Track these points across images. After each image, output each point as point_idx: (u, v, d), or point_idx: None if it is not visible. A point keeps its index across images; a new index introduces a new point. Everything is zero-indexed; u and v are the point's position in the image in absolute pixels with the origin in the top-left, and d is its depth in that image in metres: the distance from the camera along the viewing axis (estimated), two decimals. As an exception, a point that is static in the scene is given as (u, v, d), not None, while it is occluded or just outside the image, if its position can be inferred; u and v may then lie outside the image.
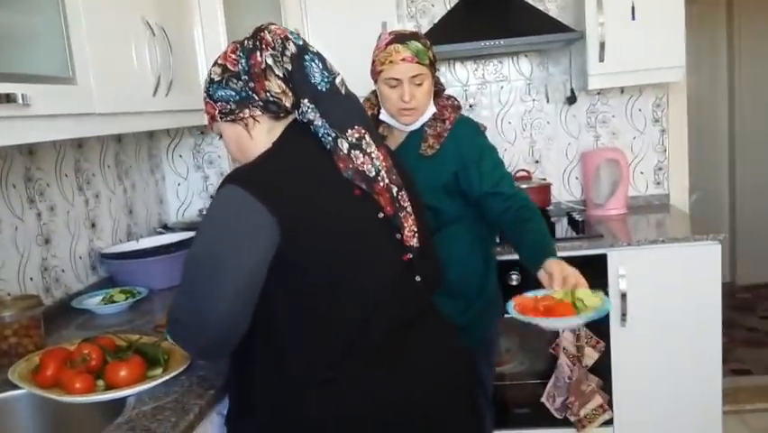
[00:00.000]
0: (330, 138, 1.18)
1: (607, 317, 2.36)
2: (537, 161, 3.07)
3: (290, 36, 1.21)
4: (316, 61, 1.20)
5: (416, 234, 1.24)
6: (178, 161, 3.03)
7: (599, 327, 2.40)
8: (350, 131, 1.19)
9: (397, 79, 1.73)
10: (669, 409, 2.47)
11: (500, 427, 2.28)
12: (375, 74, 1.79)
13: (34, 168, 1.98)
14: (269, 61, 1.18)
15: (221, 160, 3.03)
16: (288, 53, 1.19)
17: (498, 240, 2.27)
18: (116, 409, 1.27)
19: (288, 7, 2.53)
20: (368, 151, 1.19)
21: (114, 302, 2.00)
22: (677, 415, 2.47)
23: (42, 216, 2.00)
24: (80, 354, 1.36)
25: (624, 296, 2.38)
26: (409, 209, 1.24)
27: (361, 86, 1.31)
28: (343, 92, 1.22)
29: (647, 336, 2.43)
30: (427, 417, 1.23)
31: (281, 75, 1.19)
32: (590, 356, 2.40)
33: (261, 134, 1.23)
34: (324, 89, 1.19)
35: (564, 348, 2.38)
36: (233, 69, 1.21)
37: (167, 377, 1.33)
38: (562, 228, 2.74)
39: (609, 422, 2.46)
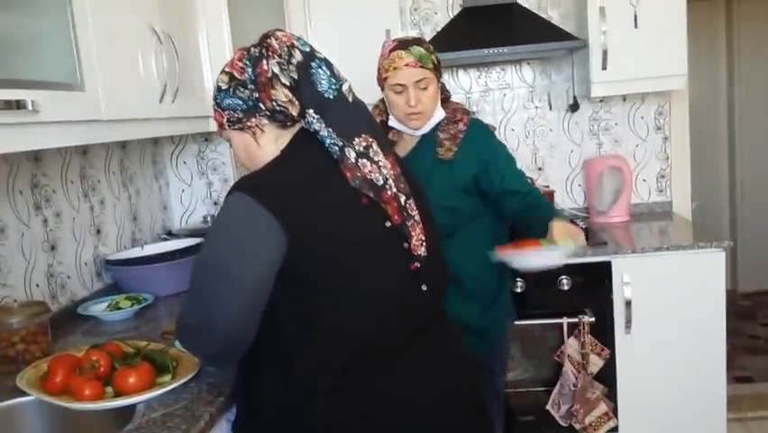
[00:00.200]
0: (336, 148, 1.17)
1: (612, 324, 2.40)
2: (540, 169, 3.07)
3: (296, 43, 1.20)
4: (323, 68, 1.20)
5: (424, 243, 1.24)
6: (182, 167, 3.03)
7: (605, 335, 2.41)
8: (357, 139, 1.18)
9: (402, 85, 1.75)
10: (674, 416, 2.47)
11: (506, 434, 2.28)
12: (381, 81, 1.81)
13: (40, 174, 1.98)
14: (276, 70, 1.18)
15: (225, 166, 3.03)
16: (294, 61, 1.18)
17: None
18: (126, 416, 1.26)
19: (291, 15, 2.55)
20: (375, 159, 1.19)
21: (120, 309, 1.99)
22: (682, 422, 2.47)
23: (48, 223, 2.00)
24: (89, 360, 1.37)
25: (628, 303, 2.39)
26: (417, 218, 1.24)
27: (365, 93, 1.31)
28: (351, 99, 1.22)
29: (652, 343, 2.44)
30: (434, 425, 1.23)
31: (288, 83, 1.18)
32: (595, 364, 2.40)
33: (269, 142, 1.23)
34: (331, 97, 1.19)
35: (569, 356, 2.39)
36: (239, 77, 1.21)
37: (176, 384, 1.32)
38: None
39: (615, 430, 2.45)
